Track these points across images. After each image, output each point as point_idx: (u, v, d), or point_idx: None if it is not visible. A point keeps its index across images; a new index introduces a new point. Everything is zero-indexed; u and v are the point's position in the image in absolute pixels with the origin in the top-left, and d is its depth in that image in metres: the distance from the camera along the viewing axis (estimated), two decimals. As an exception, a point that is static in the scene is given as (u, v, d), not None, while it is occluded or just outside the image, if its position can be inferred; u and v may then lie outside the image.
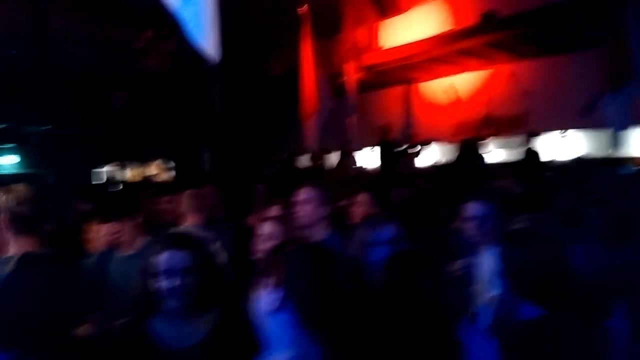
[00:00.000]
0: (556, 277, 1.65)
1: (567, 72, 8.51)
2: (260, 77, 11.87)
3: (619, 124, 5.67)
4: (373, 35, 9.63)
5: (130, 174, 14.17)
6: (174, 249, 1.81)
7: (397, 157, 9.17)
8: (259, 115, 13.51)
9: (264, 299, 1.06)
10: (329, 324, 1.00)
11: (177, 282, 1.76)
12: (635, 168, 6.20)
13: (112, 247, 2.77)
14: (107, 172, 13.46)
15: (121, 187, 9.94)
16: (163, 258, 1.80)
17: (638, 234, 2.26)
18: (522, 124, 9.22)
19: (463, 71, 9.98)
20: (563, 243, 1.76)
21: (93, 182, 12.02)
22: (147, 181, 11.68)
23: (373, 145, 9.87)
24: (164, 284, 1.77)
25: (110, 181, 12.25)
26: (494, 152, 10.46)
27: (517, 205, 3.38)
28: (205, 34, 3.51)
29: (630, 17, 5.47)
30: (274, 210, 3.60)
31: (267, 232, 2.41)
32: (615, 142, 5.74)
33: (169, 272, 1.77)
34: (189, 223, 3.48)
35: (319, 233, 2.80)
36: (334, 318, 1.01)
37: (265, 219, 2.61)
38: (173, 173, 13.29)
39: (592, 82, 6.21)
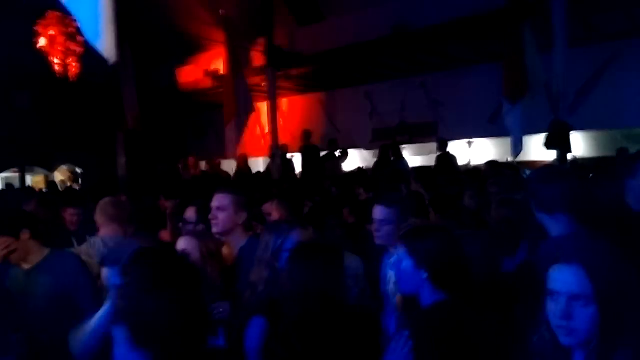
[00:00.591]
0: (459, 268, 1.78)
1: (473, 84, 9.10)
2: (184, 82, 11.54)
3: (517, 132, 6.15)
4: (293, 42, 9.71)
5: (33, 180, 13.16)
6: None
7: (322, 162, 9.31)
8: (180, 119, 13.16)
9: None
10: (160, 344, 0.98)
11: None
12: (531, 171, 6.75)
13: (8, 262, 2.54)
14: (6, 178, 12.40)
15: (18, 194, 9.15)
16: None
17: (532, 233, 2.42)
18: (433, 131, 9.74)
19: (377, 80, 10.34)
20: (460, 240, 1.88)
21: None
22: (51, 188, 10.90)
23: (296, 149, 9.95)
24: None
25: (9, 188, 11.27)
26: (410, 158, 10.97)
27: (428, 207, 3.57)
28: (100, 34, 3.27)
29: (526, 34, 5.96)
30: (189, 213, 3.54)
31: (182, 249, 2.36)
32: (515, 149, 6.21)
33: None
34: (103, 234, 3.29)
35: (236, 240, 2.77)
36: (166, 337, 0.98)
37: (181, 234, 2.54)
38: (81, 179, 12.51)
39: (495, 93, 6.68)
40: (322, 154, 9.53)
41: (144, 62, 11.08)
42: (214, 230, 2.77)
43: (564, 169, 2.10)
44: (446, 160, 8.76)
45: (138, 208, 4.56)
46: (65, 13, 6.67)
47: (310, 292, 1.63)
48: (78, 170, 12.84)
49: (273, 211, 3.40)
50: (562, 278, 1.25)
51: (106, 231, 3.27)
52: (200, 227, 3.25)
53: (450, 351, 1.59)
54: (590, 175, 6.53)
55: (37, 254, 2.49)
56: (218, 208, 2.78)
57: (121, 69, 10.47)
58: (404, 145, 9.73)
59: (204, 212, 3.62)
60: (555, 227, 1.89)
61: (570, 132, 6.09)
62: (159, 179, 9.59)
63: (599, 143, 9.16)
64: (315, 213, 2.84)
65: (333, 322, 1.63)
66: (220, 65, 9.42)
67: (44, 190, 10.95)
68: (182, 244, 2.40)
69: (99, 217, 3.33)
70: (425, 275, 1.77)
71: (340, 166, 9.36)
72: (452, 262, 1.78)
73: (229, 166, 10.45)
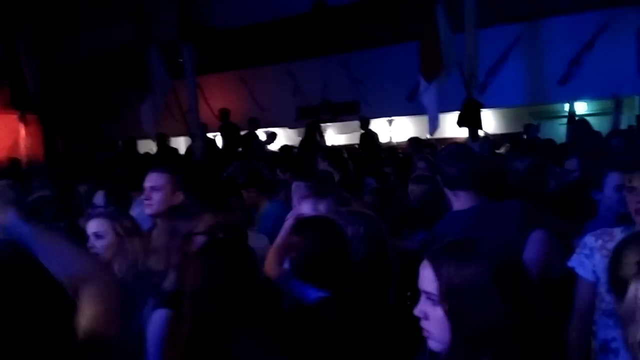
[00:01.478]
0: (338, 262, 1.75)
1: (392, 63, 9.28)
2: (91, 57, 10.70)
3: (433, 110, 6.37)
4: (209, 16, 9.33)
5: None
6: None
7: (242, 141, 9.12)
8: (91, 98, 12.31)
9: None
10: None
11: None
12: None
13: None
14: None
15: None
16: None
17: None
18: (355, 110, 9.86)
19: (299, 57, 10.24)
20: (343, 230, 1.85)
21: None
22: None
23: (215, 129, 9.68)
24: None
25: None
26: (334, 136, 11.07)
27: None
28: None
29: (440, 14, 6.13)
30: (98, 197, 3.35)
31: (93, 232, 2.21)
32: (432, 126, 6.44)
33: None
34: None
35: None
36: None
37: (91, 216, 2.37)
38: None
39: (414, 72, 6.84)
40: (242, 133, 9.34)
41: (46, 35, 10.22)
42: (148, 211, 2.60)
43: (467, 149, 2.15)
44: (368, 138, 8.93)
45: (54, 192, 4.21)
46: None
47: (216, 290, 1.57)
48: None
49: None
50: (422, 273, 1.12)
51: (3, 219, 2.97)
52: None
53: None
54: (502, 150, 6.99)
55: None
56: (152, 188, 2.60)
57: (19, 43, 9.60)
58: (327, 124, 9.79)
59: (113, 196, 3.44)
60: (456, 202, 1.99)
61: (481, 110, 6.40)
62: (70, 161, 8.97)
63: (507, 120, 9.75)
64: (217, 195, 2.76)
65: (243, 317, 1.57)
66: (131, 39, 8.88)
67: None
68: (92, 226, 2.24)
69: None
70: (297, 271, 1.75)
71: (265, 147, 9.25)
72: (328, 260, 1.73)
73: (147, 146, 10.00)
